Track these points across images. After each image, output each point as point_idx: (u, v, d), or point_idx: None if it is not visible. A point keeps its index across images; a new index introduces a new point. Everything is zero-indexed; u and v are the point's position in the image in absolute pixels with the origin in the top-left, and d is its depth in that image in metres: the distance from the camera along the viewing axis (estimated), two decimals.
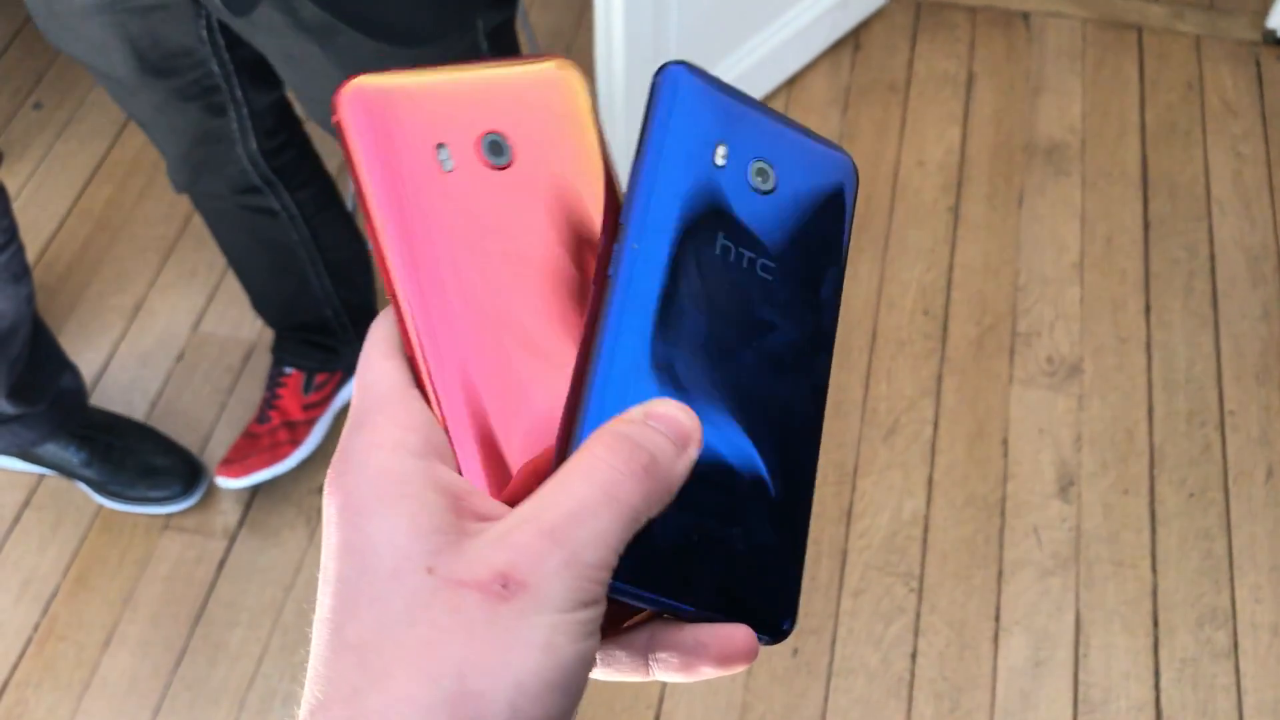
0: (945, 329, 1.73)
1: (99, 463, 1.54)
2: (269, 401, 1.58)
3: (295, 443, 1.56)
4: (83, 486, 1.57)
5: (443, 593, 0.27)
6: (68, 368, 1.51)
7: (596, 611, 0.28)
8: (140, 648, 1.47)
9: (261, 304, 1.56)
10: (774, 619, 0.33)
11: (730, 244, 0.34)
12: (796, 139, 0.36)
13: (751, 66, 1.90)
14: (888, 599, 1.50)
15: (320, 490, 1.59)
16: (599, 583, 0.27)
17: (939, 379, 1.68)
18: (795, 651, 1.46)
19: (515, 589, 0.27)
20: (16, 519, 1.57)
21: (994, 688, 1.43)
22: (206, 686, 1.44)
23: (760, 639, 0.32)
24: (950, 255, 1.81)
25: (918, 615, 1.49)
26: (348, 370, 1.60)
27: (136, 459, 1.55)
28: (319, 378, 1.59)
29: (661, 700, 1.43)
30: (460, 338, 0.31)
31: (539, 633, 0.26)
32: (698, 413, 0.31)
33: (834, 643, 1.47)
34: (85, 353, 1.72)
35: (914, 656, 1.46)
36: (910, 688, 1.43)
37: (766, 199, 0.35)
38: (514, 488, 0.31)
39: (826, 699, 1.43)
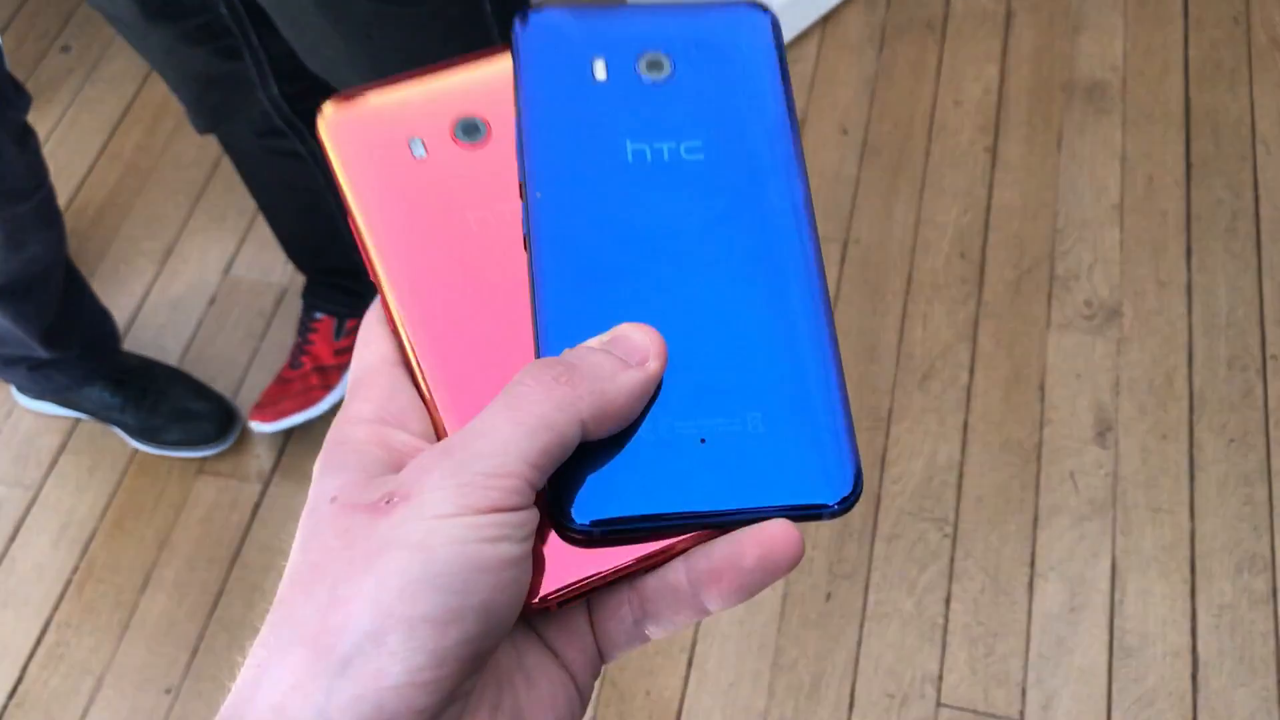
0: (982, 272, 1.70)
1: (133, 407, 1.54)
2: (301, 347, 1.58)
3: (327, 387, 1.57)
4: (118, 431, 1.58)
5: (337, 517, 0.28)
6: (101, 312, 1.51)
7: (500, 518, 0.27)
8: (177, 590, 1.49)
9: (291, 248, 1.56)
10: (821, 498, 0.30)
11: (643, 146, 0.33)
12: (684, 19, 0.34)
13: (786, 3, 1.86)
14: (921, 544, 1.49)
15: None
16: (497, 489, 0.27)
17: (975, 323, 1.66)
18: (829, 596, 1.46)
19: (398, 501, 0.27)
20: (54, 463, 1.59)
21: (1029, 633, 1.43)
22: (243, 628, 1.46)
23: (811, 517, 0.30)
24: (987, 197, 1.78)
25: (952, 560, 1.48)
26: None
27: (170, 403, 1.55)
28: (349, 323, 1.59)
29: (694, 644, 1.43)
30: (434, 308, 0.33)
31: (411, 535, 0.26)
32: (656, 320, 0.30)
33: (867, 588, 1.46)
34: (117, 298, 1.72)
35: (948, 601, 1.45)
36: (944, 633, 1.43)
37: (667, 85, 0.33)
38: None
39: (860, 643, 1.43)
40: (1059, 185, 1.79)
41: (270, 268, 1.74)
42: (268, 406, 1.55)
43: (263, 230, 1.77)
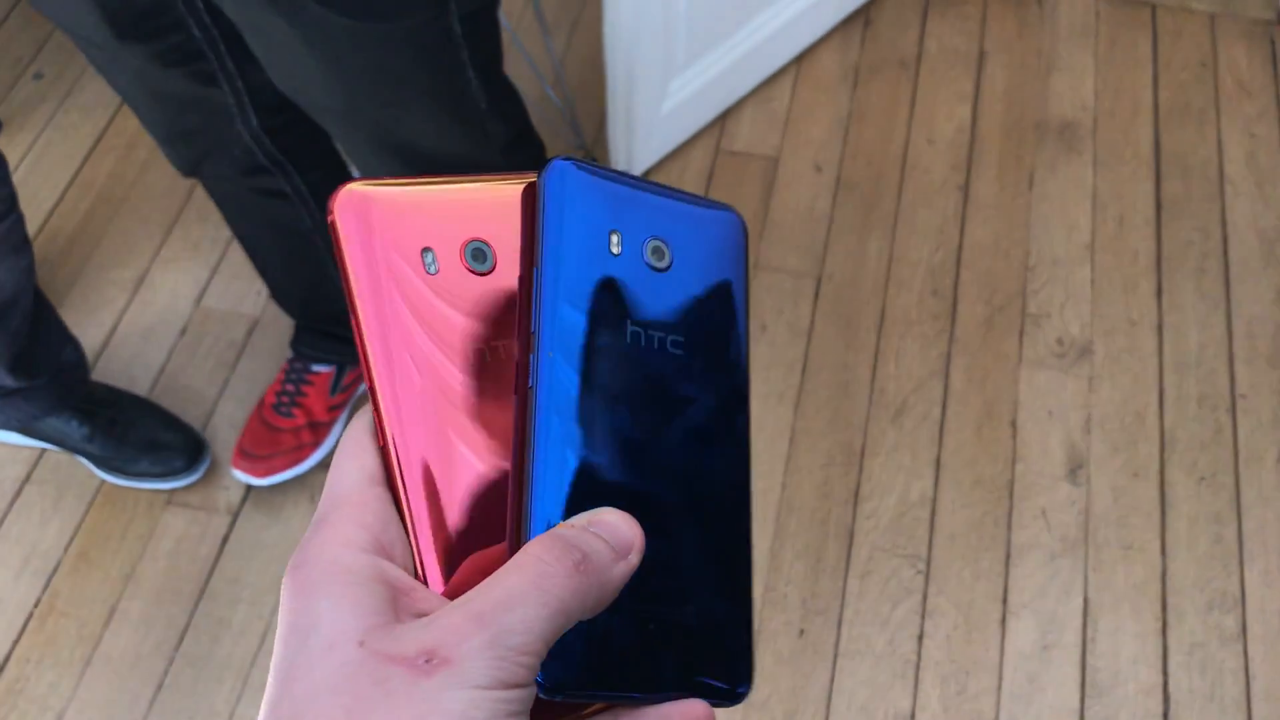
0: (954, 309, 1.71)
1: (101, 437, 1.53)
2: (293, 396, 1.56)
3: (317, 444, 1.55)
4: (85, 461, 1.56)
5: (369, 664, 0.28)
6: (69, 341, 1.49)
7: (520, 694, 0.29)
8: (142, 624, 1.46)
9: (280, 294, 1.53)
10: (730, 685, 0.35)
11: (640, 329, 0.34)
12: (684, 208, 0.36)
13: (761, 41, 1.87)
14: (895, 580, 1.49)
15: (326, 467, 1.58)
16: (523, 666, 0.29)
17: (948, 359, 1.67)
18: (801, 633, 1.45)
19: (438, 664, 0.28)
20: (18, 493, 1.56)
21: (1001, 670, 1.42)
22: (210, 663, 1.43)
23: (718, 703, 0.34)
24: (960, 235, 1.79)
25: (925, 597, 1.48)
26: None
27: (139, 434, 1.54)
28: (348, 377, 1.57)
29: None
30: (428, 434, 0.33)
31: (456, 704, 0.28)
32: (634, 507, 0.32)
33: (840, 624, 1.46)
34: (87, 327, 1.70)
35: (921, 638, 1.45)
36: (917, 670, 1.43)
37: (665, 275, 0.35)
38: (457, 583, 0.33)
39: (833, 680, 1.42)
40: (1031, 224, 1.80)
41: (242, 298, 1.73)
42: (259, 460, 1.52)
43: (235, 261, 1.76)
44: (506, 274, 0.35)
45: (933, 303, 1.72)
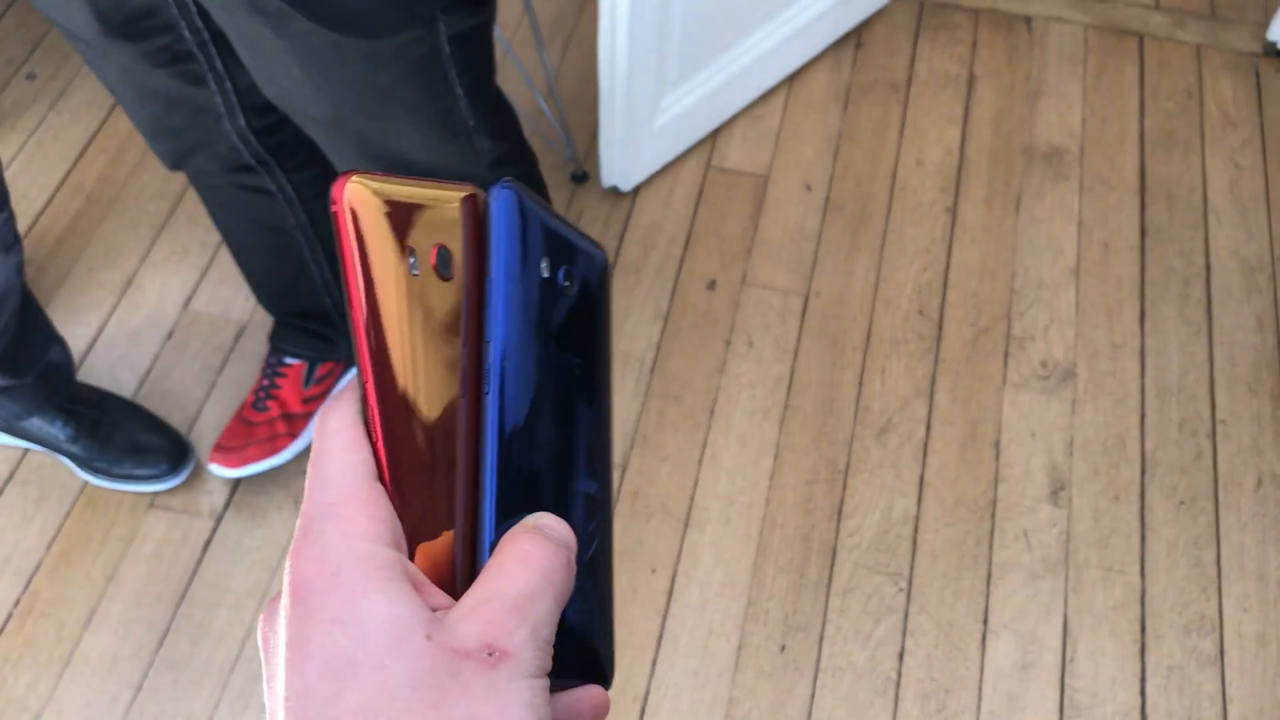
0: (940, 330, 1.73)
1: (85, 439, 1.52)
2: (267, 390, 1.56)
3: (293, 435, 1.55)
4: (67, 463, 1.56)
5: (442, 658, 0.30)
6: (56, 341, 1.49)
7: (548, 681, 0.31)
8: (122, 626, 1.46)
9: (260, 290, 1.54)
10: (605, 670, 0.37)
11: (555, 347, 0.38)
12: (577, 240, 0.40)
13: (753, 61, 1.89)
14: (876, 598, 1.49)
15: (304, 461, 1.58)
16: (550, 655, 0.31)
17: (933, 379, 1.68)
18: (783, 648, 1.45)
19: (500, 656, 0.30)
20: (0, 493, 1.55)
21: (980, 689, 1.43)
22: (189, 667, 1.43)
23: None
24: (947, 256, 1.81)
25: (906, 615, 1.48)
26: (348, 361, 1.58)
27: (123, 436, 1.53)
28: (320, 370, 1.57)
29: (647, 694, 1.42)
30: (409, 433, 0.35)
31: (524, 693, 0.30)
32: (558, 505, 0.36)
33: (821, 640, 1.46)
34: (74, 328, 1.70)
35: (901, 656, 1.45)
36: (897, 687, 1.43)
37: (570, 300, 0.39)
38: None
39: (813, 696, 1.42)
40: (1017, 247, 1.82)
41: (230, 303, 1.73)
42: (231, 450, 1.52)
43: (224, 265, 1.76)
44: (460, 280, 0.37)
45: (919, 323, 1.73)
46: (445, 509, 0.35)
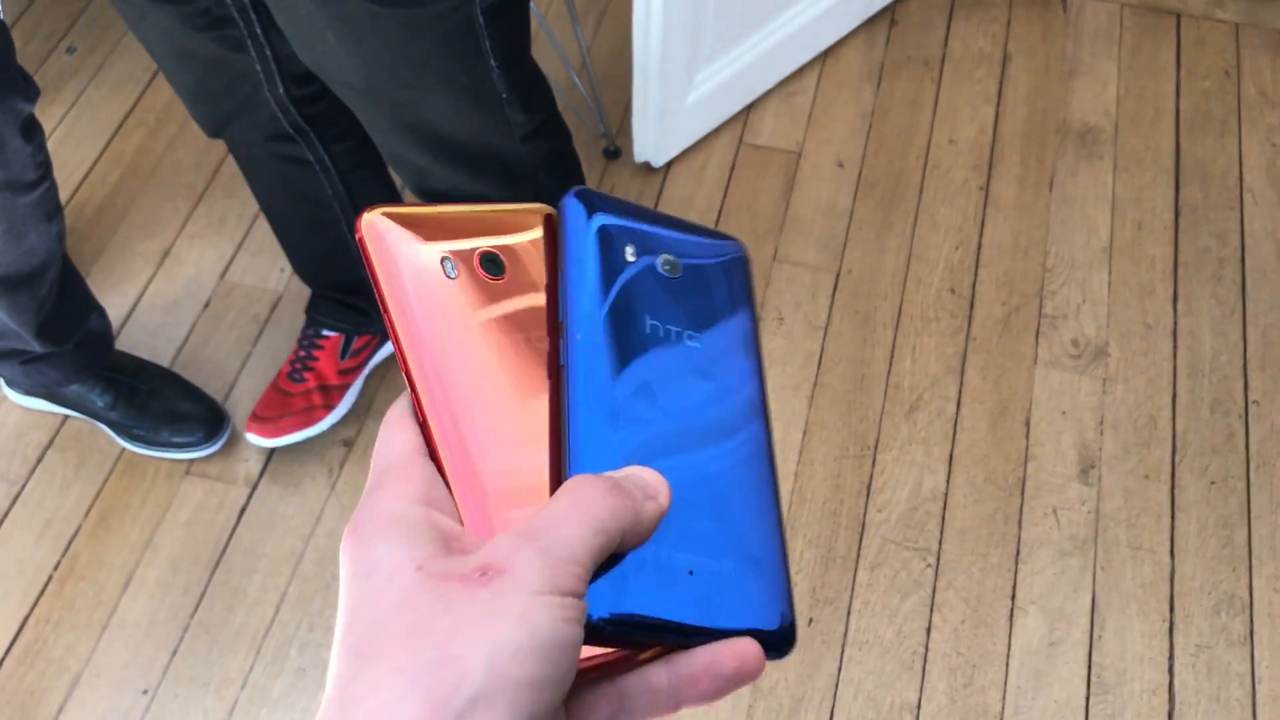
0: (971, 308, 1.72)
1: (123, 406, 1.54)
2: (304, 361, 1.58)
3: (329, 407, 1.57)
4: (105, 429, 1.58)
5: (429, 584, 0.30)
6: (95, 309, 1.51)
7: (573, 602, 0.30)
8: (159, 590, 1.48)
9: (297, 260, 1.55)
10: (775, 639, 0.37)
11: (657, 322, 0.39)
12: (689, 236, 0.42)
13: (787, 37, 1.89)
14: (904, 573, 1.50)
15: (344, 442, 1.60)
16: (573, 576, 0.30)
17: (963, 357, 1.68)
18: (811, 621, 1.46)
19: (494, 574, 0.30)
20: (40, 459, 1.58)
21: (1008, 665, 1.43)
22: (224, 631, 1.45)
23: (774, 652, 0.36)
24: (979, 234, 1.80)
25: (934, 590, 1.49)
26: (384, 334, 1.60)
27: (160, 404, 1.55)
28: (357, 343, 1.58)
29: None
30: (459, 412, 0.37)
31: (515, 606, 0.29)
32: (657, 466, 0.36)
33: (849, 614, 1.47)
34: (112, 298, 1.72)
35: (929, 631, 1.46)
36: (924, 662, 1.44)
37: (677, 281, 0.41)
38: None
39: (840, 670, 1.43)
40: (1050, 225, 1.81)
41: (267, 274, 1.75)
42: (267, 420, 1.54)
43: (260, 236, 1.77)
44: (517, 280, 0.40)
45: (950, 300, 1.73)
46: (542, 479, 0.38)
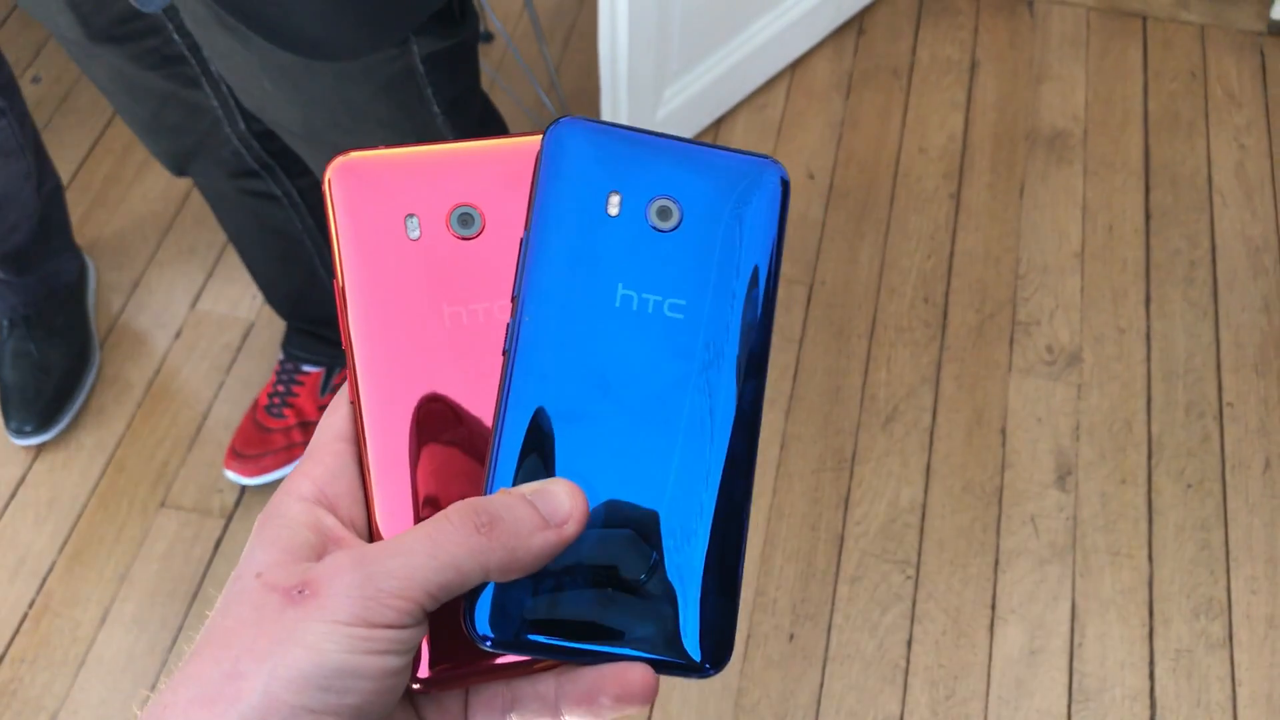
0: (945, 316, 1.73)
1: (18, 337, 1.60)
2: (283, 397, 1.56)
3: (308, 444, 1.55)
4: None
5: (255, 592, 0.31)
6: (70, 251, 1.58)
7: (386, 634, 0.30)
8: (136, 625, 1.47)
9: (271, 295, 1.53)
10: (697, 659, 0.34)
11: (631, 292, 0.34)
12: (709, 163, 0.35)
13: (755, 50, 1.89)
14: (884, 586, 1.50)
15: None
16: (392, 609, 0.30)
17: (938, 366, 1.68)
18: (792, 637, 1.46)
19: (309, 596, 0.30)
20: (13, 495, 1.57)
21: (989, 675, 1.44)
22: None
23: (681, 675, 0.34)
24: (951, 242, 1.81)
25: (914, 602, 1.49)
26: None
27: (16, 375, 1.60)
28: (337, 377, 1.57)
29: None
30: (397, 396, 0.34)
31: (310, 634, 0.30)
32: (592, 475, 0.33)
33: (830, 629, 1.47)
34: None
35: (910, 643, 1.46)
36: (906, 674, 1.44)
37: (670, 236, 0.34)
38: None
39: (822, 685, 1.43)
40: (1021, 232, 1.82)
41: (238, 302, 1.74)
42: (249, 459, 1.53)
43: (231, 264, 1.77)
44: (494, 238, 0.35)
45: (924, 310, 1.73)
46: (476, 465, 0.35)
